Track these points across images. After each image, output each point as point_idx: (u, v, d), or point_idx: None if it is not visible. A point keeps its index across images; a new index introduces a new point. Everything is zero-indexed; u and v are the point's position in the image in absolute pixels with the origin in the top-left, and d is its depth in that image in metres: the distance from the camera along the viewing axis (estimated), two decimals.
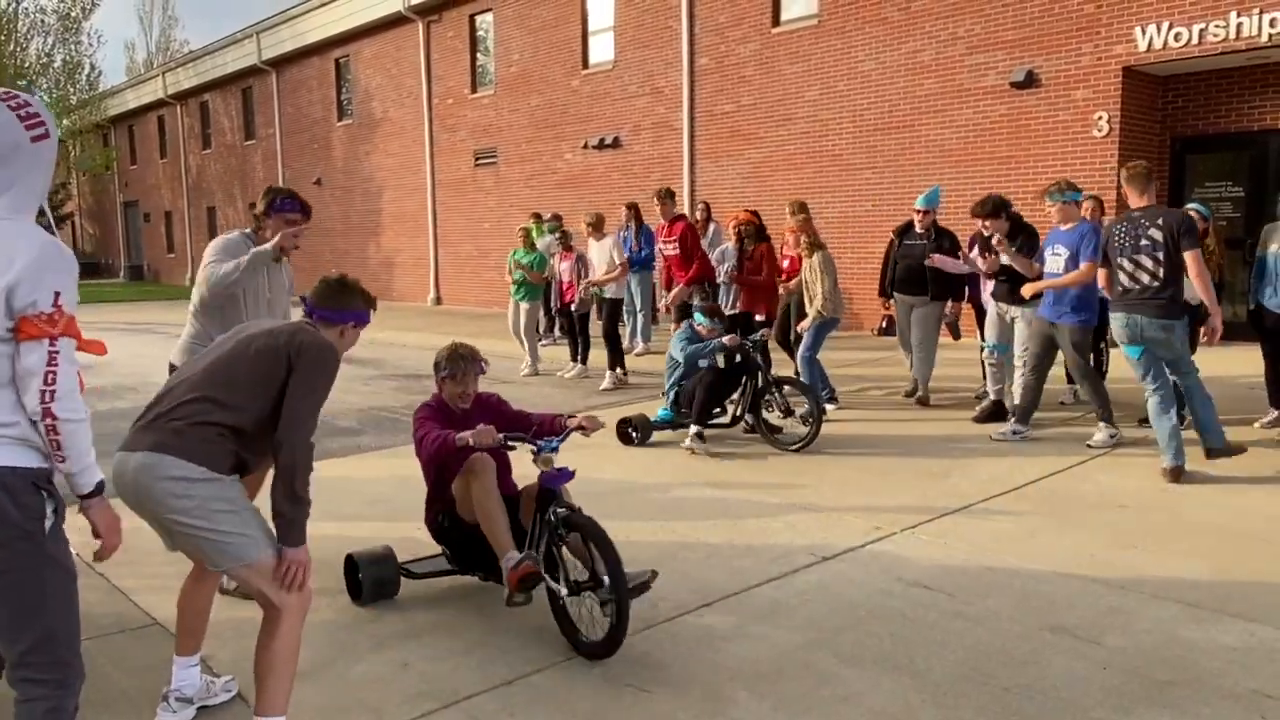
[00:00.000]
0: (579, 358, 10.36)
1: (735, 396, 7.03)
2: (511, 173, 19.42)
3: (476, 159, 20.34)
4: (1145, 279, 5.58)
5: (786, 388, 6.90)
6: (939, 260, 7.39)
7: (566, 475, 3.64)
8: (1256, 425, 6.79)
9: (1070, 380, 7.86)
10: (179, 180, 33.49)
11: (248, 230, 4.14)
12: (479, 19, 20.00)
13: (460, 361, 3.89)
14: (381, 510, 5.40)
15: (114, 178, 39.05)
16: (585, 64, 17.55)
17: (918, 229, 7.77)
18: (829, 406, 7.70)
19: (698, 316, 7.03)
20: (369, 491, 5.81)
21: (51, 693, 2.21)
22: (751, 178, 14.81)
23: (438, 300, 21.86)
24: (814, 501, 5.34)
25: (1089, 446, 6.36)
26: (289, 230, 3.96)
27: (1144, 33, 10.40)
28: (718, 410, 7.06)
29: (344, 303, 2.98)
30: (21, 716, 2.20)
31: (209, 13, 67.69)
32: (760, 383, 6.86)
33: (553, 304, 10.56)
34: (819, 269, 7.53)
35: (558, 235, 10.97)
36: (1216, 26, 9.92)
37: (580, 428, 3.90)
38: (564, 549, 3.63)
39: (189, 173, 32.89)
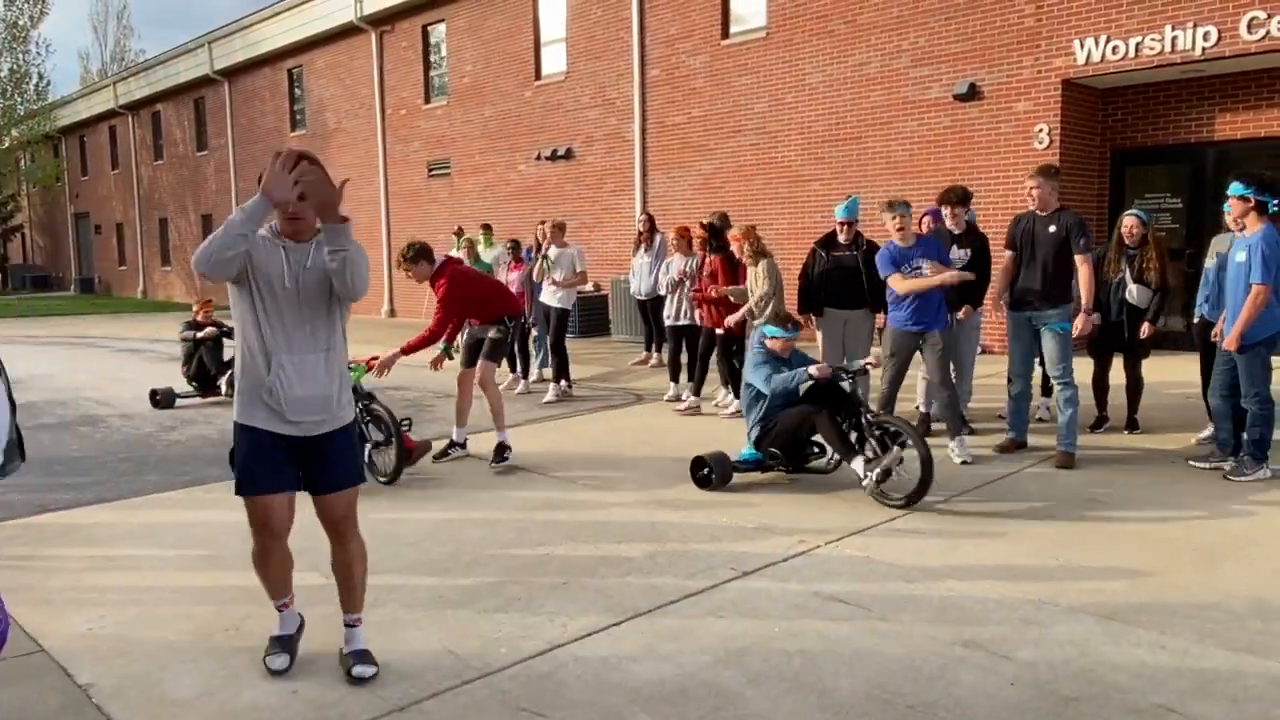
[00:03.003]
0: (521, 371, 10.21)
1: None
2: (465, 183, 19.28)
3: (430, 170, 20.19)
4: None
5: (886, 425, 5.55)
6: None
7: None
8: (1194, 440, 6.77)
9: (1045, 393, 7.73)
10: (130, 192, 32.94)
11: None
12: (431, 29, 19.87)
13: None
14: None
15: (64, 189, 38.34)
16: (538, 75, 17.48)
17: (842, 239, 7.69)
18: None
19: (767, 329, 5.97)
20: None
21: None
22: (703, 189, 14.80)
23: (391, 312, 21.62)
24: (740, 516, 5.26)
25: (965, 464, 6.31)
26: (285, 158, 3.02)
27: (1082, 46, 10.53)
28: (814, 450, 5.89)
29: None
30: None
31: (166, 22, 66.88)
32: (857, 420, 5.62)
33: None
34: (762, 275, 7.50)
35: (508, 245, 10.84)
36: (1152, 40, 10.06)
37: None
38: None
39: (141, 184, 32.36)
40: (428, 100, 20.15)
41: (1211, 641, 3.50)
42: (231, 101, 26.48)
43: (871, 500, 5.45)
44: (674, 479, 6.16)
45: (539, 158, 17.38)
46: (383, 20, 20.58)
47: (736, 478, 5.91)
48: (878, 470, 5.30)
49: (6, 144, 34.49)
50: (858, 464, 5.42)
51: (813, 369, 5.65)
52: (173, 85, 28.83)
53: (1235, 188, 5.75)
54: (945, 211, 7.39)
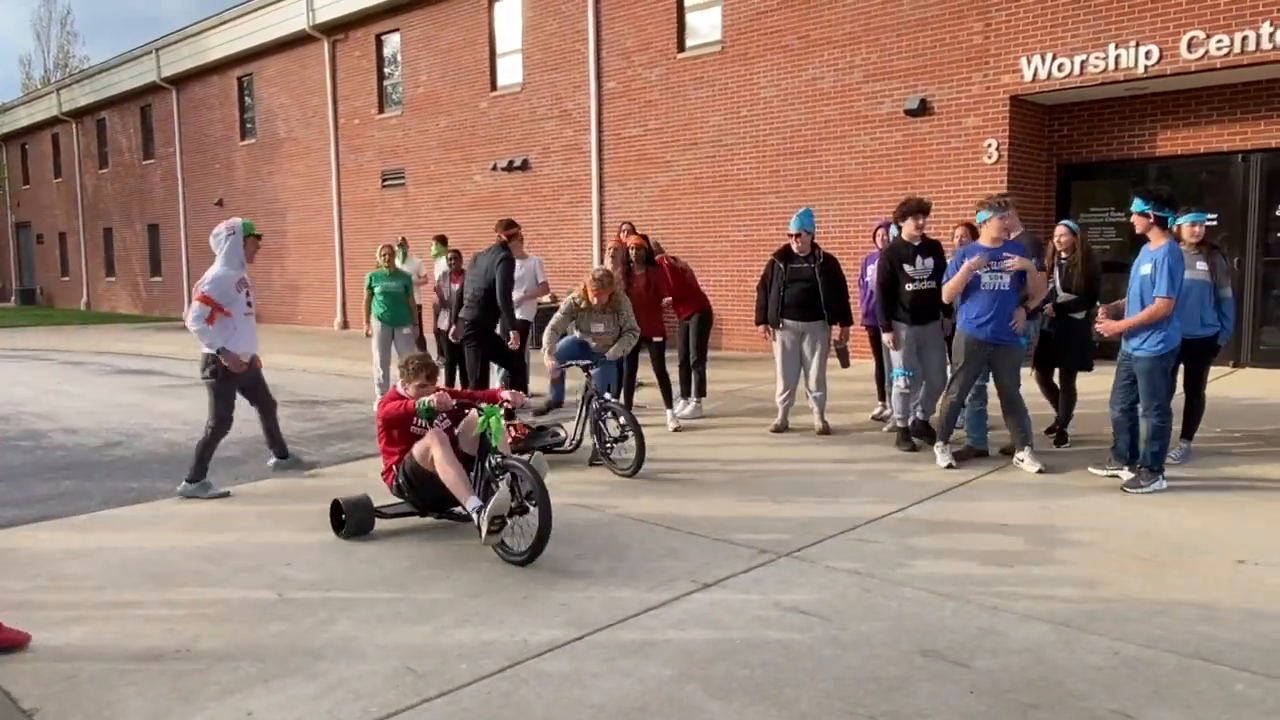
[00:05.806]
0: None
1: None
2: (420, 194, 19.13)
3: (384, 180, 20.00)
4: None
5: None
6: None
7: None
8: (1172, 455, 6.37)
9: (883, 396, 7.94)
10: (74, 201, 32.20)
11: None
12: (385, 39, 19.73)
13: None
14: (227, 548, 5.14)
15: (5, 198, 37.35)
16: (494, 86, 17.43)
17: (797, 251, 7.75)
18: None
19: None
20: (229, 536, 5.53)
21: None
22: (659, 201, 14.84)
23: (344, 324, 21.34)
24: (700, 528, 5.27)
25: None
26: None
27: (1029, 63, 10.75)
28: None
29: None
30: None
31: (111, 28, 65.33)
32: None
33: (443, 327, 9.98)
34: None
35: (450, 256, 10.60)
36: (1096, 58, 10.31)
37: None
38: None
39: (85, 193, 31.64)
40: (381, 110, 19.98)
41: (1162, 647, 3.57)
42: (179, 109, 26.03)
43: (828, 510, 5.50)
44: (624, 488, 6.15)
45: (495, 168, 17.31)
46: (336, 29, 20.39)
47: (673, 480, 5.90)
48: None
49: None
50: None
51: None
52: (118, 93, 28.25)
53: (1136, 204, 5.89)
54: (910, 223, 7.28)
